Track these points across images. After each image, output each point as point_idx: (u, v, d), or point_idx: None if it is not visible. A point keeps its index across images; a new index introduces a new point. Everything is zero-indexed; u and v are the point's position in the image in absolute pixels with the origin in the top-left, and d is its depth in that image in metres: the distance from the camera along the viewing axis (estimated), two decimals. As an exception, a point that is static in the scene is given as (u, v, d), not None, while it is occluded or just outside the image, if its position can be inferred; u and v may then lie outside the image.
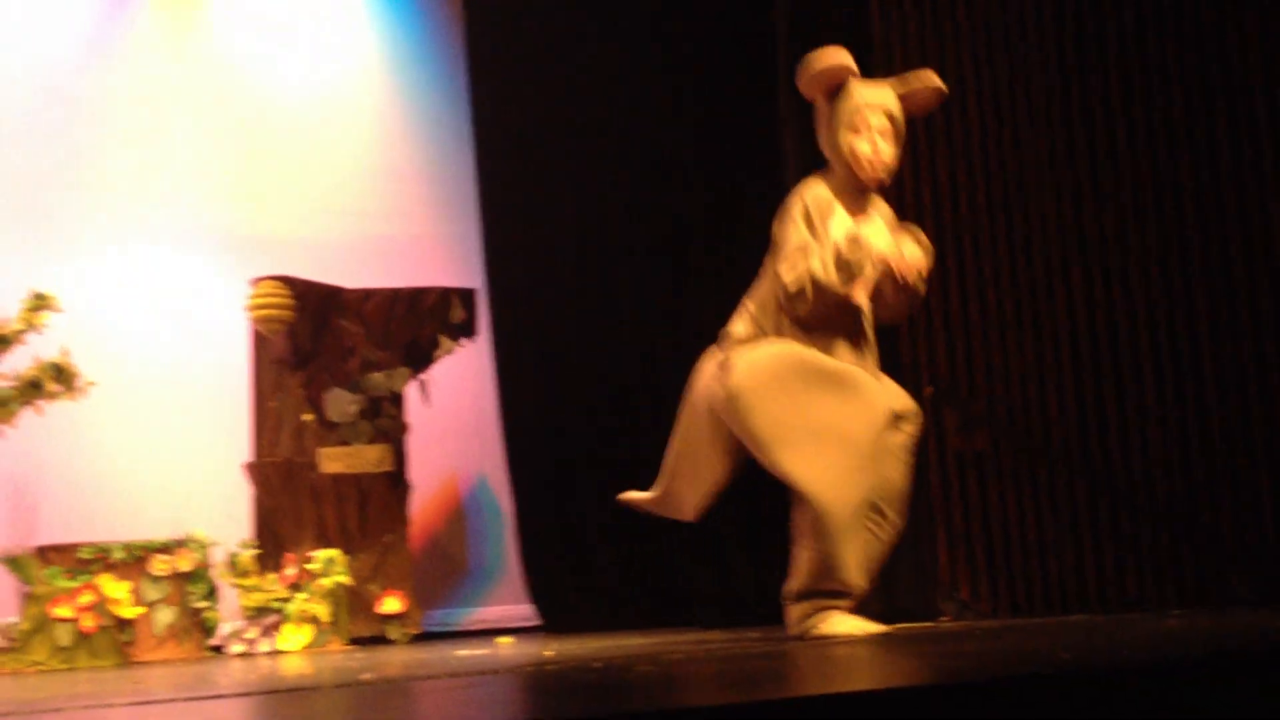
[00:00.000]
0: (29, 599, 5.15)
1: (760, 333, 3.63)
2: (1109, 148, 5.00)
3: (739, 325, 3.69)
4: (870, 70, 4.16)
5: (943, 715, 1.61)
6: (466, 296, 6.30)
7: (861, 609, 3.74)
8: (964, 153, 5.18)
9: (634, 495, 4.01)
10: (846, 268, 3.50)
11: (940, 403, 4.99)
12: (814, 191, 3.64)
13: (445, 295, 6.23)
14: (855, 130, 3.63)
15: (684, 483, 3.82)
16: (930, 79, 3.75)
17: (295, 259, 6.25)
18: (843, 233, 3.58)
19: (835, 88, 3.67)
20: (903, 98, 3.70)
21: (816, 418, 3.46)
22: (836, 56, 3.66)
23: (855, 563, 3.50)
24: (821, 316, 3.57)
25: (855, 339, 3.67)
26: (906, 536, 4.70)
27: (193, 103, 6.74)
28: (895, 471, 3.62)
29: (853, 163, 3.64)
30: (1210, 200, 4.85)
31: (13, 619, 5.21)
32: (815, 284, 3.50)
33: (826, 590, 3.52)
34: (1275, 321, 4.70)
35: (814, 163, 3.94)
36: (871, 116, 3.63)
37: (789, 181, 4.06)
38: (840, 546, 3.45)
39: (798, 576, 3.56)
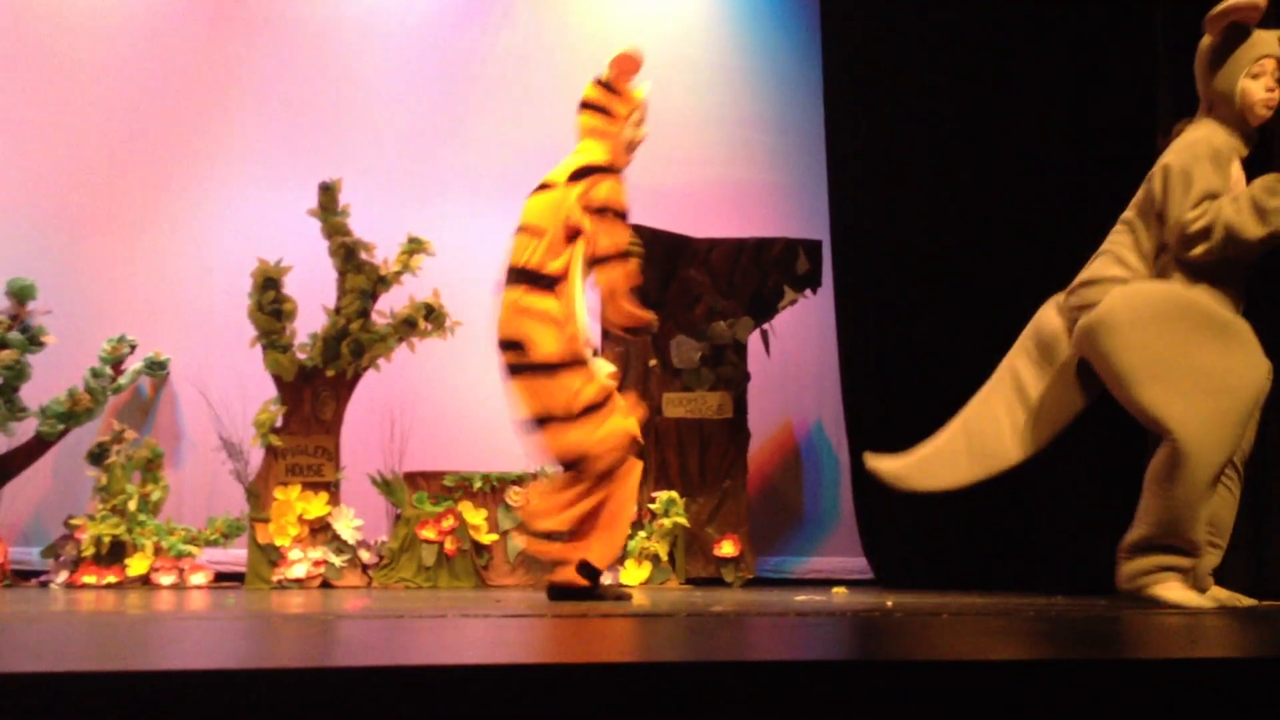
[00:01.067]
0: (399, 520, 5.58)
1: (1133, 275, 3.52)
2: None
3: (1107, 267, 3.56)
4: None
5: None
6: (812, 248, 6.33)
7: (1226, 578, 3.59)
8: None
9: (881, 463, 3.94)
10: (1263, 214, 3.34)
11: None
12: (1219, 137, 3.50)
13: (791, 246, 6.28)
14: (1254, 76, 3.49)
15: (975, 441, 3.73)
16: None
17: (645, 207, 6.41)
18: (1239, 180, 3.46)
19: (1235, 31, 3.52)
20: None
21: (1199, 361, 3.31)
22: None
23: (1205, 521, 3.36)
24: (1216, 264, 3.41)
25: (1239, 291, 3.50)
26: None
27: (553, 59, 7.04)
28: (1252, 432, 3.48)
29: (1245, 108, 3.50)
30: None
31: (383, 538, 5.66)
32: (1229, 228, 3.35)
33: (1169, 545, 3.36)
34: None
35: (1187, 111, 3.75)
36: (1269, 63, 3.48)
37: (1158, 149, 3.86)
38: (1197, 499, 3.30)
39: (1140, 526, 3.40)
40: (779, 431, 6.77)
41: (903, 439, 6.25)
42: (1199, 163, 3.42)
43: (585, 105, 4.26)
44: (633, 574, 5.60)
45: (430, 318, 5.80)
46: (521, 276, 4.03)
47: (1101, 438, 5.40)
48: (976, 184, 6.32)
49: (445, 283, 5.95)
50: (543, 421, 3.94)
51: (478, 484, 5.62)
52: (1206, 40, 3.57)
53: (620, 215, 4.00)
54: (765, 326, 6.30)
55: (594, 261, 3.95)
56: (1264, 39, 3.52)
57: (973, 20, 6.36)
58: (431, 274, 5.91)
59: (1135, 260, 3.52)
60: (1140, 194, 3.57)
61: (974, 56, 6.37)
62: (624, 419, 3.88)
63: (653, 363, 6.14)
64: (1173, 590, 3.36)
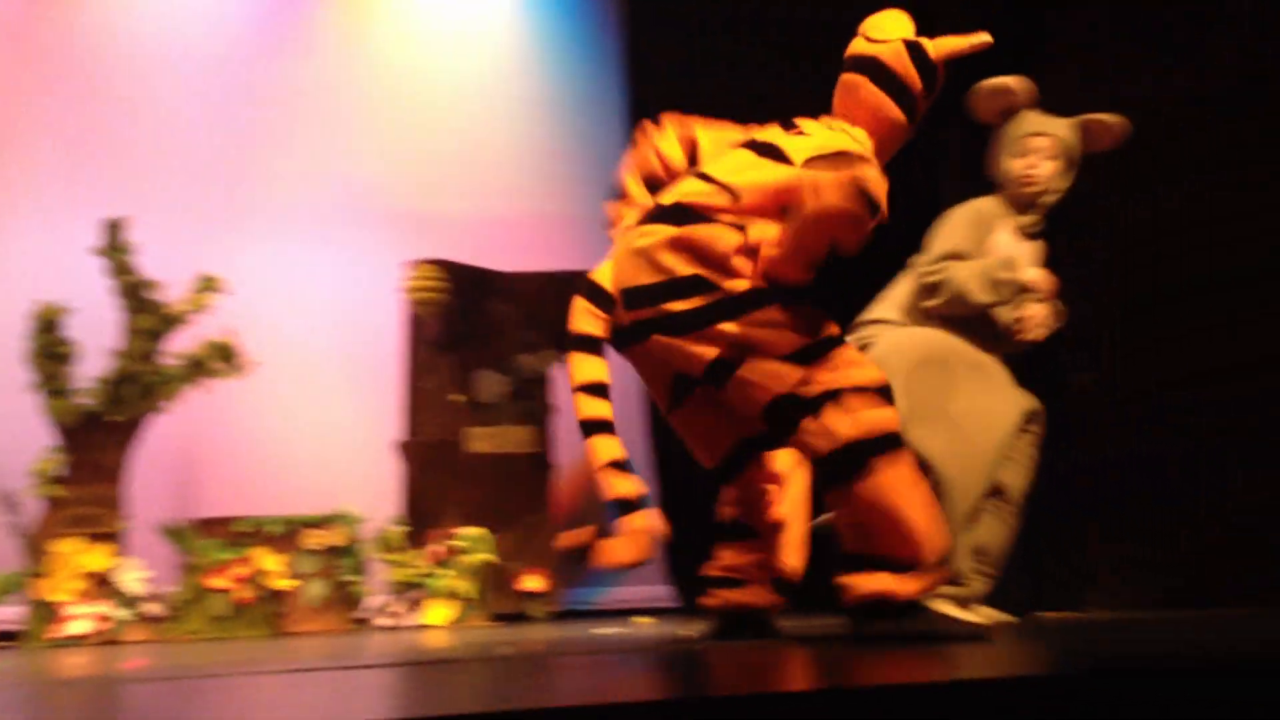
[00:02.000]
0: (187, 569, 5.38)
1: (905, 318, 3.71)
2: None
3: (885, 310, 3.79)
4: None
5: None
6: (616, 280, 6.35)
7: (1003, 599, 3.73)
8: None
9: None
10: (993, 286, 3.60)
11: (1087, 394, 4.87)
12: (987, 204, 3.75)
13: (595, 279, 6.29)
14: (1017, 155, 3.76)
15: None
16: (1111, 120, 3.81)
17: (451, 240, 6.39)
18: (1000, 251, 3.67)
19: (1007, 112, 3.79)
20: (1082, 127, 3.78)
21: (957, 403, 3.54)
22: (1007, 82, 3.77)
23: (968, 551, 3.59)
24: (953, 316, 3.68)
25: (988, 336, 3.71)
26: (1051, 529, 4.62)
27: (353, 89, 6.95)
28: (1021, 468, 3.72)
29: (1008, 182, 3.76)
30: None
31: (172, 588, 5.45)
32: (958, 290, 3.60)
33: None
34: None
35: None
36: (1034, 140, 3.73)
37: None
38: (957, 530, 3.50)
39: None
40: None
41: (706, 469, 6.34)
42: (951, 224, 3.69)
43: (870, 67, 3.07)
44: (436, 612, 5.51)
45: (224, 357, 5.63)
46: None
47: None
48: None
49: (241, 321, 5.78)
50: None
51: (274, 528, 5.46)
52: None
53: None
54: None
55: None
56: (1028, 118, 3.78)
57: (776, 52, 6.49)
58: (227, 312, 5.73)
59: (909, 303, 3.76)
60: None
61: (779, 91, 6.47)
62: None
63: (457, 397, 6.07)
64: (944, 608, 3.48)
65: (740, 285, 2.93)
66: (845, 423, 2.82)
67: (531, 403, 6.16)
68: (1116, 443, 4.86)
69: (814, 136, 3.01)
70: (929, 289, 3.64)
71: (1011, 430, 3.61)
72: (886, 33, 3.02)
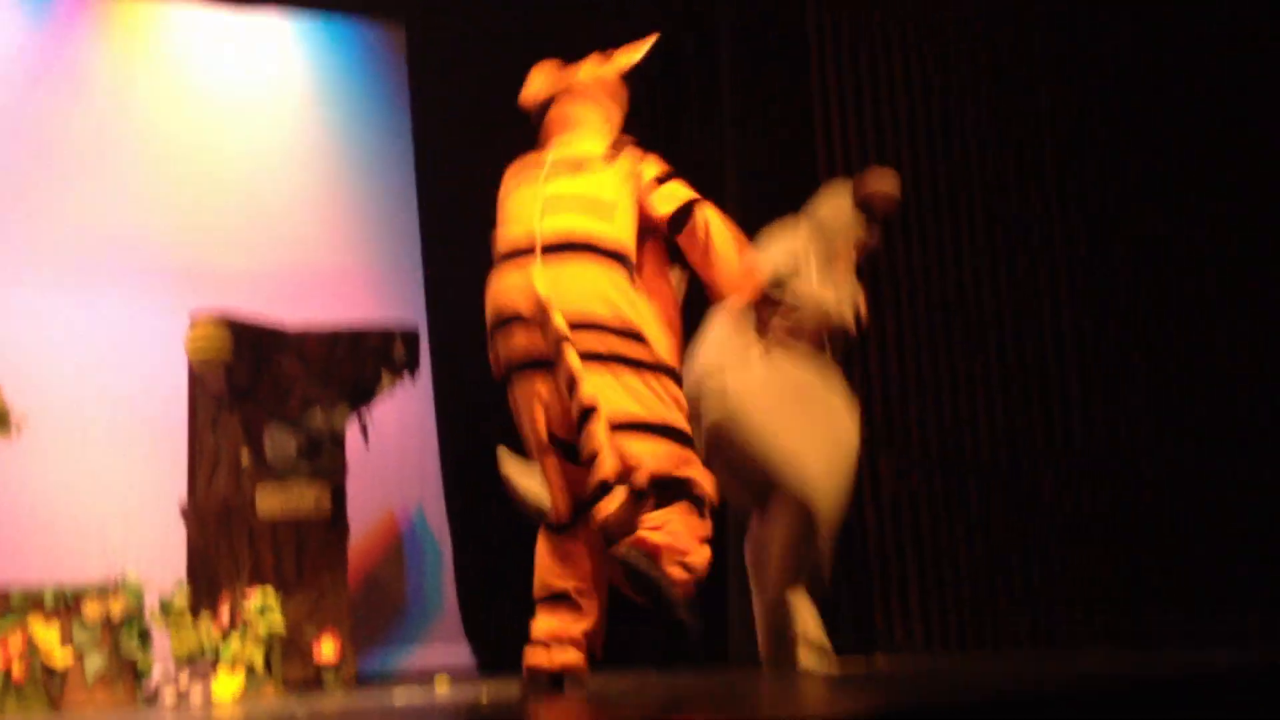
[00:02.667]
0: (-46, 646, 5.06)
1: (741, 360, 3.83)
2: (1040, 196, 5.10)
3: (719, 355, 3.89)
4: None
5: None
6: (409, 337, 6.28)
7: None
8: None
9: None
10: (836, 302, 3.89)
11: (875, 446, 5.04)
12: (806, 239, 4.00)
13: (388, 336, 6.20)
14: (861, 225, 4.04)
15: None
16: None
17: (236, 293, 6.22)
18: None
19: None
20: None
21: (816, 432, 3.76)
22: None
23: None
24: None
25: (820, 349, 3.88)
26: (841, 575, 4.76)
27: (134, 136, 6.71)
28: None
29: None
30: (1139, 249, 4.95)
31: (-61, 665, 5.12)
32: (808, 296, 3.85)
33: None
34: (1191, 373, 4.80)
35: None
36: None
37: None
38: (829, 547, 3.65)
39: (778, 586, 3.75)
40: (380, 523, 6.65)
41: (503, 524, 6.32)
42: (785, 247, 4.00)
43: None
44: (225, 684, 5.31)
45: (-9, 418, 5.33)
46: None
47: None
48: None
49: (11, 378, 5.49)
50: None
51: (49, 599, 5.18)
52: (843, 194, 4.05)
53: None
54: (363, 415, 6.18)
55: None
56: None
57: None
58: (-5, 369, 5.45)
59: (739, 345, 3.97)
60: None
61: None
62: None
63: (245, 457, 5.89)
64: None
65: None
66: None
67: (323, 460, 6.01)
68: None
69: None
70: (775, 283, 3.81)
71: (858, 440, 3.82)
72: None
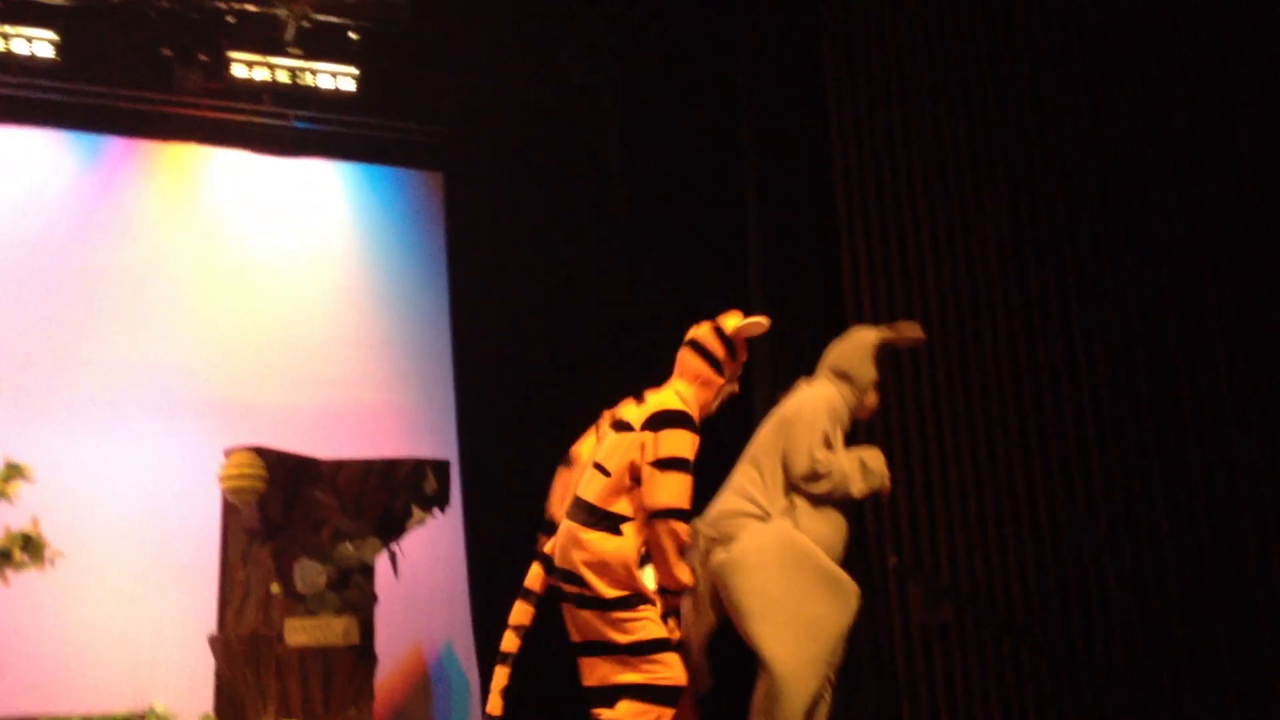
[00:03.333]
0: (-15, 774, 5.06)
1: (761, 512, 3.85)
2: (1061, 316, 5.16)
3: (740, 503, 3.89)
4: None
5: None
6: (440, 468, 6.35)
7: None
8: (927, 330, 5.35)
9: None
10: (866, 476, 3.88)
11: (904, 577, 5.04)
12: (838, 401, 3.99)
13: (418, 467, 6.28)
14: (878, 387, 4.05)
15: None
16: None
17: (271, 428, 6.32)
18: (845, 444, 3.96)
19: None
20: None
21: (806, 609, 3.72)
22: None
23: None
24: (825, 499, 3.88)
25: (848, 516, 3.92)
26: (872, 708, 4.72)
27: (175, 277, 6.89)
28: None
29: (862, 406, 4.03)
30: (1164, 381, 4.99)
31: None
32: (843, 476, 3.84)
33: None
34: (1231, 493, 4.80)
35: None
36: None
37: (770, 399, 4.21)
38: None
39: None
40: (408, 655, 6.63)
41: (530, 661, 6.29)
42: (821, 415, 3.93)
43: (693, 345, 4.06)
44: (251, 816, 5.27)
45: (27, 548, 5.41)
46: (581, 509, 3.84)
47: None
48: (600, 399, 6.56)
49: (45, 510, 5.57)
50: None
51: (76, 728, 5.19)
52: (869, 334, 4.07)
53: (684, 468, 3.82)
54: (393, 548, 6.22)
55: (648, 514, 3.78)
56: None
57: (589, 244, 6.74)
58: (31, 501, 5.53)
59: (760, 496, 3.88)
60: (764, 436, 3.93)
61: (590, 279, 6.71)
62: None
63: (275, 588, 5.92)
64: None
65: None
66: None
67: (352, 592, 6.04)
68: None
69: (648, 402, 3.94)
70: (813, 476, 3.84)
71: (846, 632, 3.78)
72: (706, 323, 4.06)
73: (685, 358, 4.03)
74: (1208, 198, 5.15)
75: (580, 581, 3.77)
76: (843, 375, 4.03)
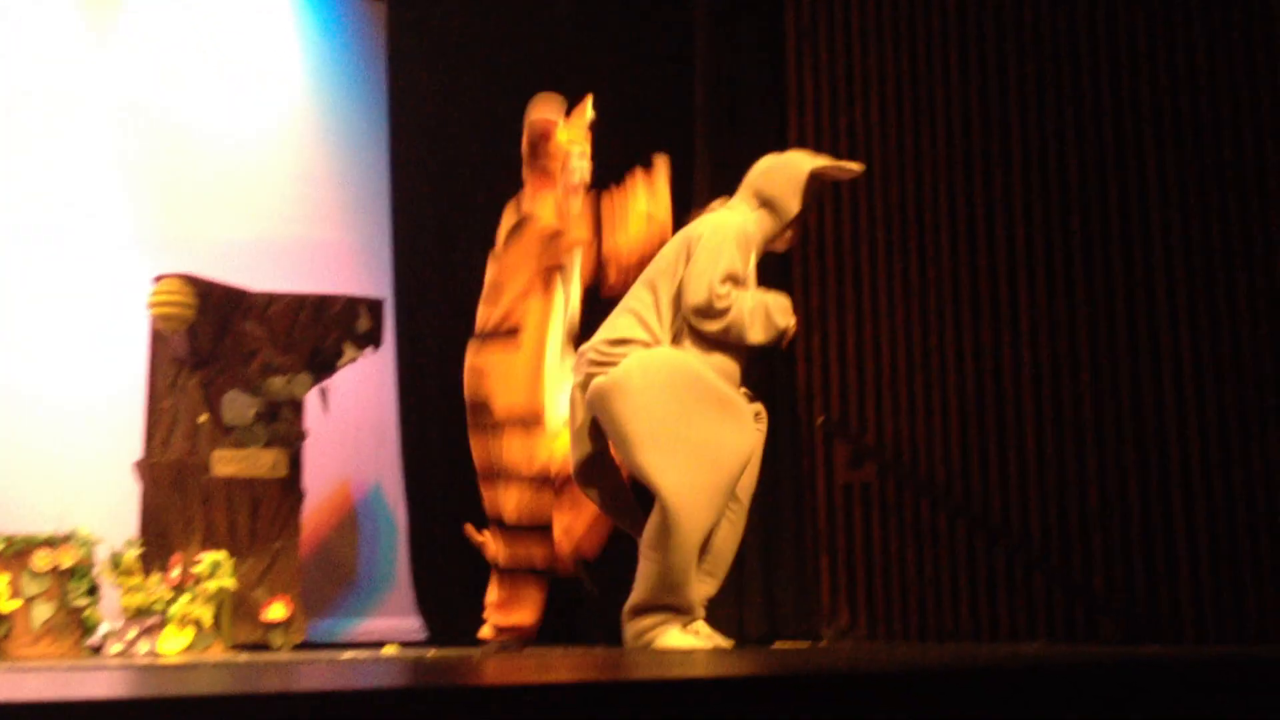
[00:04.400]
0: (-100, 590, 5.04)
1: (652, 338, 3.63)
2: (1003, 189, 5.17)
3: (631, 328, 3.66)
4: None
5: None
6: (374, 306, 6.30)
7: (745, 629, 3.84)
8: (864, 190, 5.32)
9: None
10: (768, 326, 3.61)
11: (830, 434, 5.10)
12: (752, 226, 3.68)
13: (352, 304, 6.22)
14: (803, 202, 3.77)
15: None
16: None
17: (202, 258, 6.21)
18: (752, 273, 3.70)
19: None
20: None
21: (697, 434, 3.47)
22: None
23: (695, 583, 3.54)
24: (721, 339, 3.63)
25: (742, 363, 3.73)
26: (790, 561, 4.81)
27: (104, 99, 6.69)
28: (753, 471, 3.69)
29: (778, 215, 3.75)
30: (1098, 251, 5.03)
31: (-116, 608, 5.09)
32: (737, 321, 3.57)
33: (667, 605, 3.53)
34: (1154, 369, 4.88)
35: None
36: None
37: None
38: (686, 563, 3.47)
39: (639, 590, 3.57)
40: (335, 491, 6.66)
41: (460, 500, 6.35)
42: (729, 244, 3.60)
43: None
44: (173, 640, 5.32)
45: (-51, 366, 5.32)
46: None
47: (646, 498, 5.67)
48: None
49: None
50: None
51: (-1, 547, 5.18)
52: (803, 160, 3.78)
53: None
54: (324, 384, 6.19)
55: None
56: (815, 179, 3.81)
57: (534, 82, 6.59)
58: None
59: (654, 322, 3.65)
60: (664, 257, 3.72)
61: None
62: None
63: (203, 418, 5.89)
64: (677, 637, 3.53)
65: None
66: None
67: (281, 426, 6.02)
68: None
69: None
70: (713, 312, 3.56)
71: (744, 463, 3.58)
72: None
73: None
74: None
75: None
76: (766, 201, 3.70)
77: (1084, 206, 5.05)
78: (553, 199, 4.36)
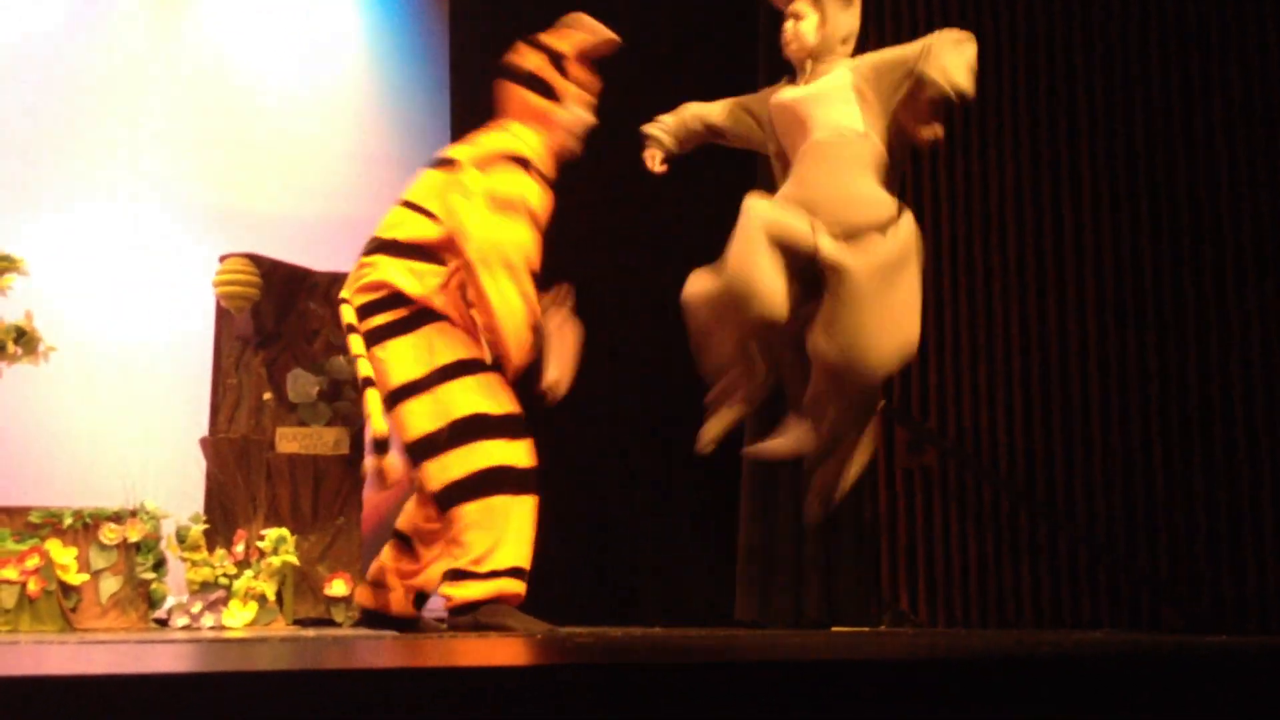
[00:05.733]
0: (-26, 560, 5.16)
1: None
2: (1071, 172, 5.09)
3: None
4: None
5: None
6: (434, 286, 6.33)
7: (803, 613, 3.85)
8: (930, 173, 5.27)
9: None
10: None
11: (891, 419, 5.07)
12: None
13: (413, 284, 6.26)
14: None
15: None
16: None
17: (268, 237, 6.29)
18: None
19: None
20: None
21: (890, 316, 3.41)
22: None
23: None
24: None
25: None
26: (850, 546, 4.79)
27: (173, 78, 6.78)
28: None
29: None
30: (1168, 236, 4.95)
31: (-42, 578, 5.21)
32: None
33: None
34: (1223, 356, 4.79)
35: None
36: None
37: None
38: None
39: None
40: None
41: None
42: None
43: (519, 76, 3.68)
44: (237, 614, 5.40)
45: (21, 341, 5.42)
46: (385, 247, 3.64)
47: (696, 484, 5.68)
48: (599, 231, 6.52)
49: (39, 304, 5.58)
50: None
51: (68, 520, 5.27)
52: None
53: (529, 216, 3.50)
54: (386, 363, 6.23)
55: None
56: None
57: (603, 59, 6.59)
58: (24, 294, 5.53)
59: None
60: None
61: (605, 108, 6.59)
62: None
63: (267, 396, 5.96)
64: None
65: None
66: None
67: (344, 404, 6.08)
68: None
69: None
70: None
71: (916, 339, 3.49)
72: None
73: (508, 94, 3.71)
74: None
75: None
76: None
77: (1151, 190, 4.97)
78: (546, 145, 3.72)
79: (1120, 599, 4.84)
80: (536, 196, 3.55)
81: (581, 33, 3.61)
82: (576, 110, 3.62)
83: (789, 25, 3.69)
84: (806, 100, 3.56)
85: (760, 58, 5.46)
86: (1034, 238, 5.12)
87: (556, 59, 3.66)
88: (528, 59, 3.67)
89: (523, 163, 3.54)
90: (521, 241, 3.51)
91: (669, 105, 3.97)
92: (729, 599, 5.31)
